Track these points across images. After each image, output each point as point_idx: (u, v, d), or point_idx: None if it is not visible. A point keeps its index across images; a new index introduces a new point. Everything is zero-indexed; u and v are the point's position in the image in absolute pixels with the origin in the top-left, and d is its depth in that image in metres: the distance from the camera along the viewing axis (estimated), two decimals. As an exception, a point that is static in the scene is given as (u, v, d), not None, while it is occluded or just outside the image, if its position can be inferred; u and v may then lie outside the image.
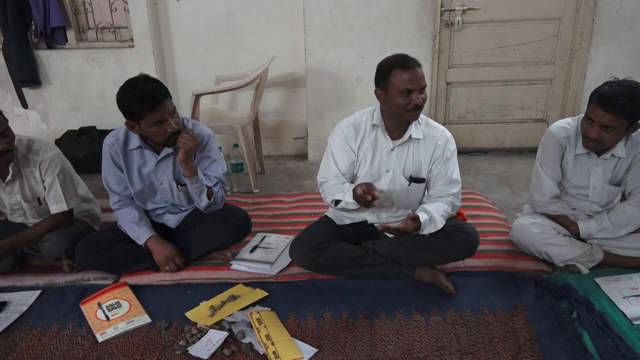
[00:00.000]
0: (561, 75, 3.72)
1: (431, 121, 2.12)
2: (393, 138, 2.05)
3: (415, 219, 1.90)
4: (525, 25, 3.59)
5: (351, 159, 2.08)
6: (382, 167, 2.08)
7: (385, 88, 1.94)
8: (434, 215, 1.95)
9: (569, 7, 3.53)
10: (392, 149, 2.05)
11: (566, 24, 3.57)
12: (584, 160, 2.12)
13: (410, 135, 2.03)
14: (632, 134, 2.04)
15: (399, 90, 1.89)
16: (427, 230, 1.95)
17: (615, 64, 3.48)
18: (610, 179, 2.13)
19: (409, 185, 2.08)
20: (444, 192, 2.06)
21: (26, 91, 3.99)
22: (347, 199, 1.96)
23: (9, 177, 2.15)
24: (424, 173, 2.09)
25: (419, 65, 1.92)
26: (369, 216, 2.17)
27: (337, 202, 2.02)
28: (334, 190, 2.04)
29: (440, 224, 1.97)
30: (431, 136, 2.06)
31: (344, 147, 2.07)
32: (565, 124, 2.14)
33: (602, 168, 2.11)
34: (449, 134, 2.10)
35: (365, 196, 1.84)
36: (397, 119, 2.01)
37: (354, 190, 1.90)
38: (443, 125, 2.14)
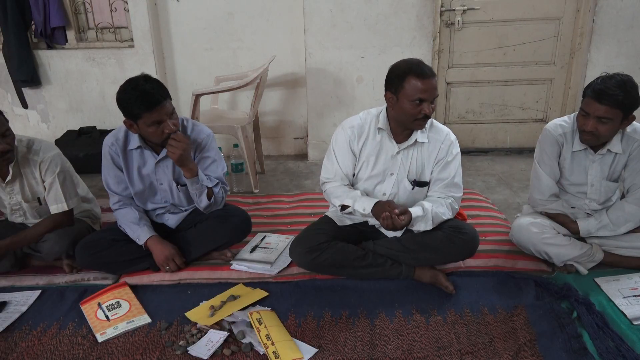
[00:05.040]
0: (561, 75, 3.72)
1: (436, 123, 2.11)
2: (398, 141, 2.05)
3: (404, 212, 1.90)
4: (525, 25, 3.58)
5: (353, 159, 2.08)
6: (387, 171, 2.08)
7: (396, 93, 1.93)
8: (428, 213, 1.96)
9: (569, 7, 3.53)
10: (397, 153, 2.05)
11: (566, 24, 3.57)
12: (580, 156, 2.13)
13: (416, 140, 2.03)
14: (628, 130, 2.05)
15: (411, 99, 1.88)
16: (417, 227, 1.96)
17: (615, 64, 3.47)
18: (607, 175, 2.13)
19: (413, 189, 2.08)
20: (443, 194, 2.06)
21: (26, 91, 4.00)
22: (358, 207, 1.97)
23: (9, 177, 2.15)
24: (427, 176, 2.09)
25: (434, 74, 1.91)
26: (369, 219, 2.16)
27: (343, 207, 2.02)
28: (341, 193, 2.05)
29: (430, 223, 1.98)
30: (435, 139, 2.06)
31: (346, 148, 2.07)
32: (562, 122, 2.15)
33: (599, 164, 2.11)
34: (453, 137, 2.09)
35: (389, 216, 1.86)
36: (403, 125, 2.01)
37: (379, 209, 1.91)
38: (443, 125, 2.14)
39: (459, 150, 2.11)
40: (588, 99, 1.95)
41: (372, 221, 2.16)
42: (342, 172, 2.08)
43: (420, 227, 1.98)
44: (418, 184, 2.08)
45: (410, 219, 1.91)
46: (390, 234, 2.16)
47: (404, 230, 2.13)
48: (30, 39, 3.91)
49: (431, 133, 2.07)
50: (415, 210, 1.94)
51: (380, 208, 1.93)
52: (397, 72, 1.93)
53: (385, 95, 1.98)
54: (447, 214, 2.04)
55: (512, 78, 3.74)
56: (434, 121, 2.12)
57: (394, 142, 2.05)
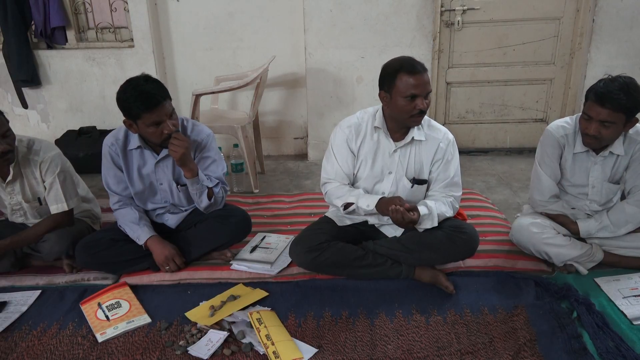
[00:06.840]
0: (561, 75, 3.72)
1: (434, 122, 2.12)
2: (395, 140, 2.06)
3: (413, 209, 1.91)
4: (525, 25, 3.59)
5: (352, 158, 2.08)
6: (385, 169, 2.08)
7: (389, 91, 1.93)
8: (433, 211, 1.97)
9: (569, 7, 3.53)
10: (395, 151, 2.05)
11: (566, 24, 3.57)
12: (582, 158, 2.13)
13: (413, 137, 2.03)
14: (630, 132, 2.05)
15: (404, 95, 1.89)
16: (424, 225, 1.96)
17: (615, 64, 3.48)
18: (609, 177, 2.13)
19: (412, 187, 2.08)
20: (444, 193, 2.06)
21: (26, 91, 4.00)
22: (362, 203, 1.98)
23: (9, 178, 2.15)
24: (425, 174, 2.09)
25: (425, 69, 1.91)
26: (370, 217, 2.17)
27: (346, 206, 2.02)
28: (343, 192, 2.05)
29: (436, 221, 1.98)
30: (433, 138, 2.06)
31: (344, 147, 2.08)
32: (564, 123, 2.15)
33: (600, 166, 2.11)
34: (451, 136, 2.10)
35: (399, 210, 1.85)
36: (399, 123, 2.01)
37: (386, 204, 1.91)
38: (443, 125, 2.14)
39: (458, 150, 2.11)
40: (590, 102, 1.94)
41: (372, 220, 2.16)
42: (343, 172, 2.08)
43: (426, 224, 1.98)
44: (417, 181, 2.08)
45: (419, 217, 1.91)
46: (390, 233, 2.16)
47: (404, 229, 2.13)
48: (30, 39, 3.91)
49: (429, 131, 2.07)
50: (420, 209, 1.95)
51: (386, 202, 1.93)
52: (389, 71, 1.94)
53: (380, 95, 1.99)
54: (449, 212, 2.05)
55: (512, 78, 3.74)
56: (432, 120, 2.12)
57: (391, 141, 2.06)
